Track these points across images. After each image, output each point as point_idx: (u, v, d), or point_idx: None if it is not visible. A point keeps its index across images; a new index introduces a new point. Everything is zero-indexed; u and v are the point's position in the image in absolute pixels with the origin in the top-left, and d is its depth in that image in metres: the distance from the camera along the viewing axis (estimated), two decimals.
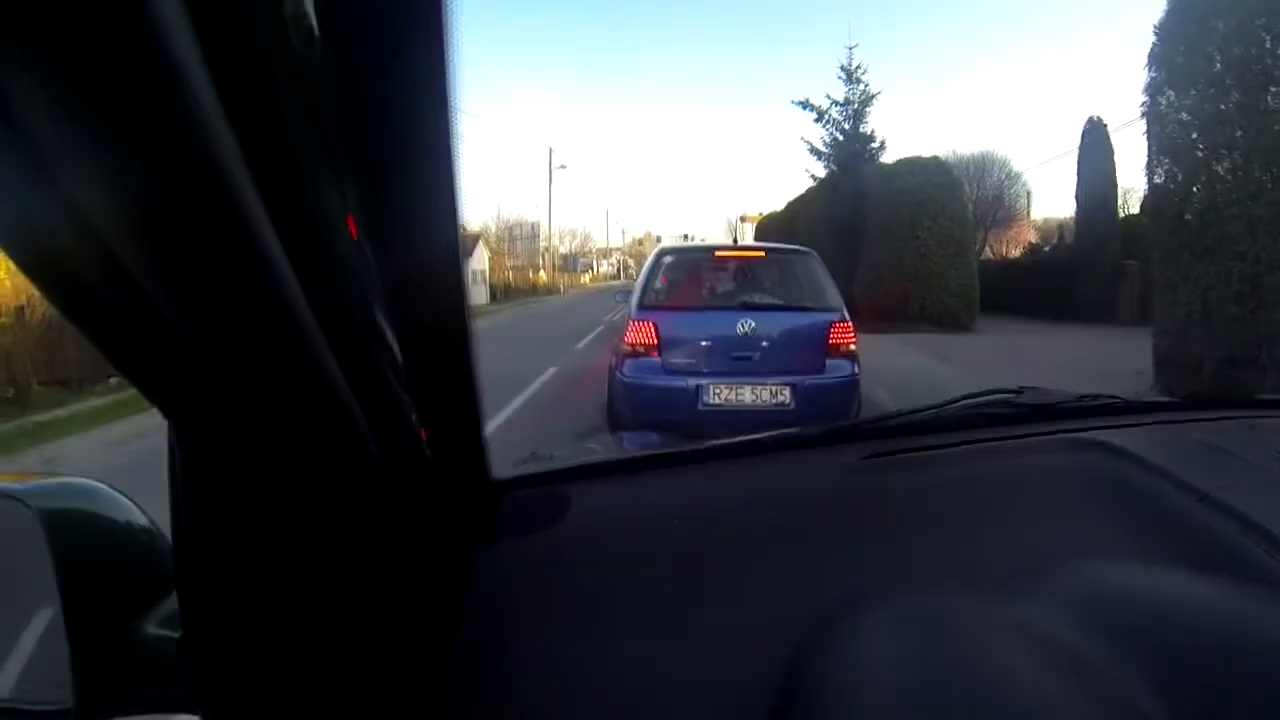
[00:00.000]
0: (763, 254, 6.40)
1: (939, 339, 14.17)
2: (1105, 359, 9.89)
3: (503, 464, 1.00)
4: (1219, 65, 6.81)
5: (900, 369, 9.68)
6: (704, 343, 5.21)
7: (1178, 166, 7.31)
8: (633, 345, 5.22)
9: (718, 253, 6.25)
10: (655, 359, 5.17)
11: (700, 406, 5.05)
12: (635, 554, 0.87)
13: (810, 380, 5.11)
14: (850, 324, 5.39)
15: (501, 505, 0.91)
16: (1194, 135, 7.12)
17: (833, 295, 5.59)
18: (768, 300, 5.57)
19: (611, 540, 0.89)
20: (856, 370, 5.29)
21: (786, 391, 5.06)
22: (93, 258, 0.35)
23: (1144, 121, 7.80)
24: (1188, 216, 7.11)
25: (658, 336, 5.18)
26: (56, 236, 0.35)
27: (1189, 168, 7.15)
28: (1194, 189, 7.08)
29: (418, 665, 0.69)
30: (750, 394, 5.07)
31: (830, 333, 5.24)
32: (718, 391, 5.06)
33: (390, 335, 0.57)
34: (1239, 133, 6.63)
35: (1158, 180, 7.61)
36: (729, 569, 0.84)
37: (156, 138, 0.32)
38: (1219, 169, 6.87)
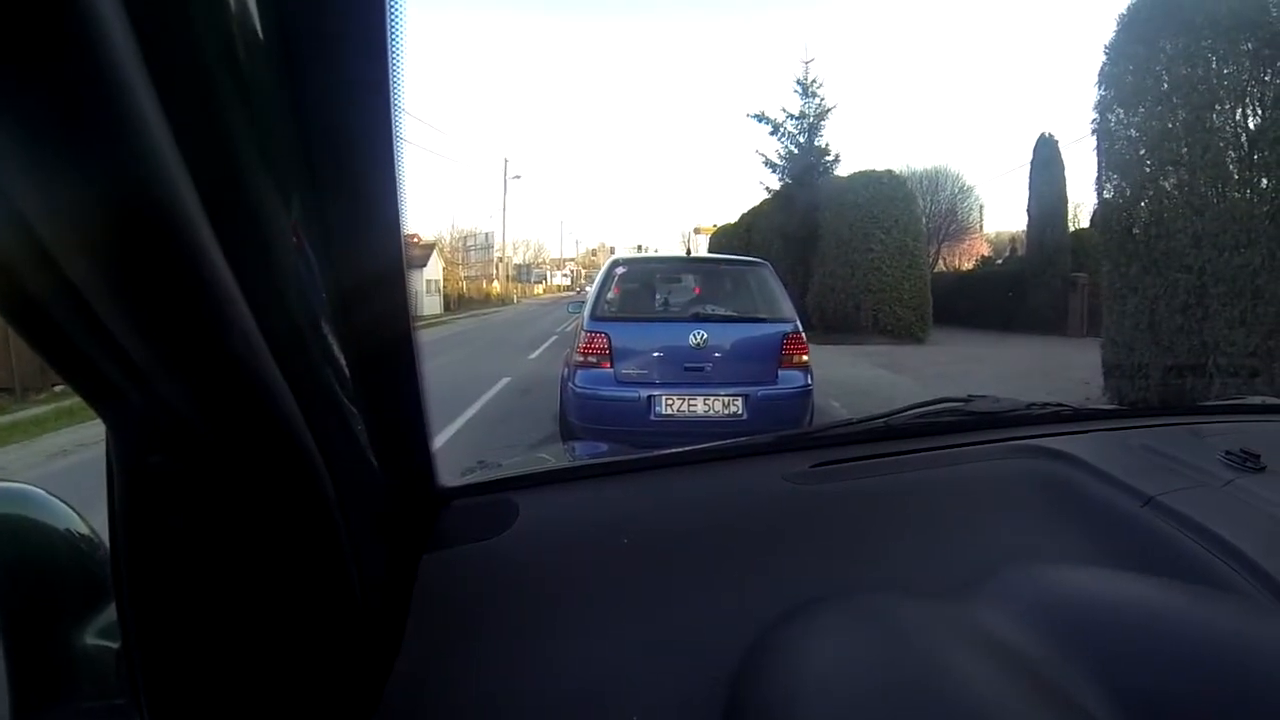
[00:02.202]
0: (716, 265, 6.34)
1: (892, 350, 14.33)
2: (1055, 368, 10.04)
3: (452, 473, 1.04)
4: (1166, 84, 6.95)
5: (854, 380, 9.74)
6: (656, 353, 5.11)
7: (1126, 182, 7.44)
8: (585, 356, 5.12)
9: (671, 264, 6.18)
10: (607, 370, 5.07)
11: (653, 417, 4.97)
12: (582, 560, 0.88)
13: (763, 391, 5.04)
14: (803, 335, 5.34)
15: (448, 513, 0.93)
16: (1142, 152, 7.25)
17: (786, 306, 5.52)
18: (721, 311, 5.49)
19: (559, 546, 0.90)
20: (809, 381, 5.24)
21: (739, 402, 5.00)
22: (36, 266, 0.34)
23: (1094, 138, 7.93)
24: (1136, 230, 7.25)
25: (610, 347, 5.08)
26: (0, 245, 0.33)
27: (1137, 183, 7.27)
28: (1142, 204, 7.23)
29: (364, 672, 0.68)
30: (703, 405, 4.99)
31: (783, 344, 5.18)
32: (670, 402, 4.98)
33: (335, 345, 0.57)
34: (1185, 150, 6.76)
35: (1107, 195, 7.73)
36: (677, 574, 0.85)
37: (99, 147, 0.31)
38: (1166, 184, 7.00)
